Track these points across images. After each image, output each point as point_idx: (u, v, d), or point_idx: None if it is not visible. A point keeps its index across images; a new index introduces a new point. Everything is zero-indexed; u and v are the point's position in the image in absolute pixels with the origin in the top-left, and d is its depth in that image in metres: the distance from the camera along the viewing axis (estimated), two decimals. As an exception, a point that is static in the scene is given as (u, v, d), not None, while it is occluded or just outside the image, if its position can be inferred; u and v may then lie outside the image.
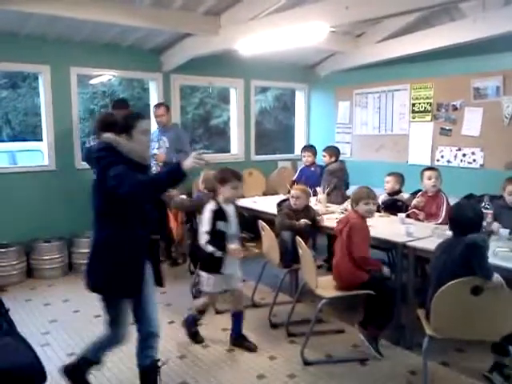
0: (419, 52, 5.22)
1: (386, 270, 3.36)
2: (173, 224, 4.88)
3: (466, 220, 2.72)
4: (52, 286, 4.74)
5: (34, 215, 5.13)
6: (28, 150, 7.41)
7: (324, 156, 5.31)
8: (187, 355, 3.31)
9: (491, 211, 3.45)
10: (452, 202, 4.33)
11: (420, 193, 4.44)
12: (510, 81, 5.04)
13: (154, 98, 6.04)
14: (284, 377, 3.02)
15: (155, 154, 5.11)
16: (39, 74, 5.22)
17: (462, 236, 2.66)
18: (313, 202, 4.50)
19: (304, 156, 5.68)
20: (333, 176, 5.08)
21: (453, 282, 2.51)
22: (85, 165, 5.52)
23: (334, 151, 5.31)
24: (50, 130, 5.24)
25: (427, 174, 4.26)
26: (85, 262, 5.12)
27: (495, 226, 3.48)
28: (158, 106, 5.51)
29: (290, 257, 3.73)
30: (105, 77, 6.31)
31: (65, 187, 5.31)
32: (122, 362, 3.20)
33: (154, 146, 5.28)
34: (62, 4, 4.07)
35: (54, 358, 3.28)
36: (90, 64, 5.44)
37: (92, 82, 7.74)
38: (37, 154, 6.65)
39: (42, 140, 5.48)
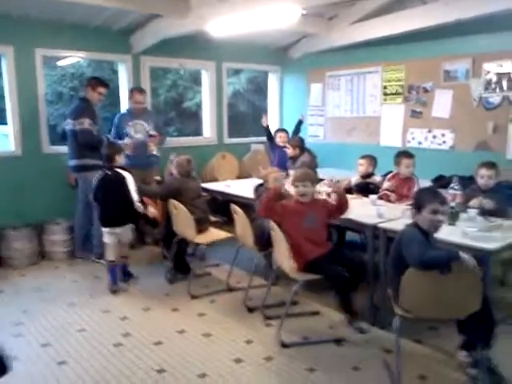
0: (391, 35, 5.23)
1: None
2: (153, 207, 4.82)
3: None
4: (23, 275, 4.63)
5: (0, 203, 4.98)
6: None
7: (288, 148, 5.29)
8: (163, 341, 3.30)
9: (460, 192, 3.52)
10: (422, 183, 4.43)
11: (391, 174, 4.50)
12: (478, 64, 5.12)
13: (123, 81, 5.89)
14: (261, 359, 3.05)
15: (125, 144, 4.97)
16: (2, 56, 5.00)
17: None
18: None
19: (279, 137, 5.70)
20: (307, 167, 5.05)
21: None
22: (53, 149, 5.42)
23: (297, 143, 5.30)
24: (14, 114, 5.06)
25: (406, 161, 4.30)
26: (57, 249, 5.07)
27: (487, 202, 3.53)
28: (141, 91, 5.34)
29: (266, 240, 3.73)
30: (73, 58, 6.12)
31: (32, 173, 5.16)
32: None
33: (129, 130, 5.19)
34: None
35: (27, 348, 3.22)
36: (57, 45, 5.25)
37: (60, 63, 7.49)
38: (2, 139, 6.43)
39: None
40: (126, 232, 4.27)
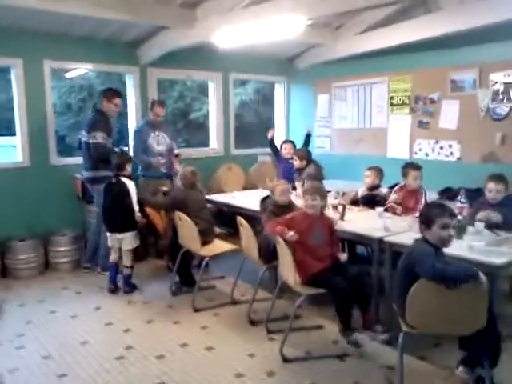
0: (397, 44, 5.21)
1: (343, 256, 3.42)
2: (156, 218, 4.82)
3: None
4: (28, 286, 4.64)
5: (7, 214, 5.00)
6: (2, 146, 7.23)
7: (295, 160, 5.28)
8: (165, 355, 3.27)
9: (467, 205, 3.46)
10: (429, 195, 4.38)
11: (398, 186, 4.46)
12: (485, 74, 5.08)
13: (130, 92, 5.93)
14: (263, 374, 3.01)
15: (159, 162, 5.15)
16: (11, 68, 5.06)
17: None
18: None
19: (284, 149, 5.69)
20: (312, 179, 5.02)
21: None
22: (60, 160, 5.46)
23: (304, 154, 5.30)
24: (23, 125, 5.11)
25: (413, 173, 4.25)
26: (62, 260, 5.11)
27: (494, 215, 3.49)
28: (162, 104, 5.33)
29: (271, 253, 3.70)
30: (81, 70, 6.17)
31: (39, 184, 5.20)
32: (98, 364, 3.14)
33: (152, 142, 5.23)
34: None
35: (28, 360, 3.21)
36: (65, 57, 5.30)
37: (68, 75, 7.57)
38: (11, 150, 6.49)
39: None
40: (128, 239, 4.38)
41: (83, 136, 4.87)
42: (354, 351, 3.23)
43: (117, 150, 4.91)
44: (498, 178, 3.68)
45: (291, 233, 3.23)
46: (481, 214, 3.50)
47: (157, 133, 5.29)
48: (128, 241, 4.38)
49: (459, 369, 2.91)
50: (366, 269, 3.55)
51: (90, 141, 4.75)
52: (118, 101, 4.94)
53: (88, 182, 4.96)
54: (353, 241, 4.23)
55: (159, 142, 5.29)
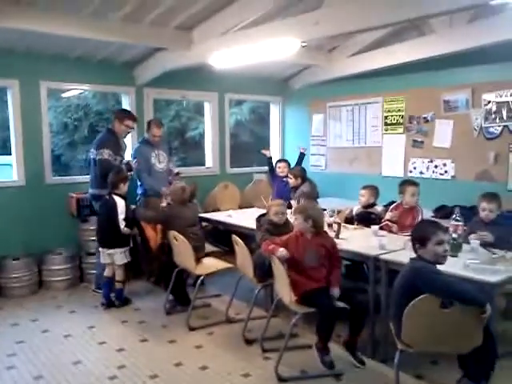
0: (390, 66, 5.29)
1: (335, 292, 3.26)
2: (149, 232, 4.81)
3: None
4: (21, 305, 4.59)
5: (2, 232, 4.97)
6: (-2, 165, 7.24)
7: (290, 178, 5.30)
8: (159, 374, 3.22)
9: (461, 223, 3.47)
10: (425, 213, 4.39)
11: (394, 204, 4.46)
12: (478, 94, 5.15)
13: (127, 112, 5.96)
14: (258, 394, 2.97)
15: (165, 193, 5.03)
16: (8, 89, 5.10)
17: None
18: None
19: (278, 167, 5.71)
20: (306, 198, 5.03)
21: (422, 296, 2.51)
22: (55, 179, 5.47)
23: (299, 173, 5.32)
24: (18, 145, 5.12)
25: (411, 189, 4.24)
26: (56, 279, 5.08)
27: (486, 236, 3.50)
28: (158, 125, 5.32)
29: (266, 271, 3.68)
30: (77, 90, 6.23)
31: (34, 203, 5.19)
32: None
33: (154, 161, 5.27)
34: (32, 18, 4.01)
35: (19, 381, 3.16)
36: (61, 78, 5.35)
37: (64, 95, 7.63)
38: (7, 169, 6.48)
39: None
40: (119, 255, 4.45)
41: (92, 153, 4.92)
42: (349, 371, 3.20)
43: (123, 167, 4.95)
44: (490, 196, 3.72)
45: (281, 249, 3.21)
46: (473, 236, 3.51)
47: (156, 151, 5.34)
48: (118, 256, 4.45)
49: None
50: (362, 286, 3.53)
51: (97, 157, 4.80)
52: (129, 122, 5.01)
53: (92, 199, 4.98)
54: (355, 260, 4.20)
55: (160, 160, 5.34)
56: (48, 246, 5.14)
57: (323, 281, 3.26)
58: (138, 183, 5.34)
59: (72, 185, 5.43)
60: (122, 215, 4.37)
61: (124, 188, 4.50)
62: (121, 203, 4.42)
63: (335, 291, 3.21)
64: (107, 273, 4.52)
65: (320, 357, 3.17)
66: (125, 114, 5.07)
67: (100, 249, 4.54)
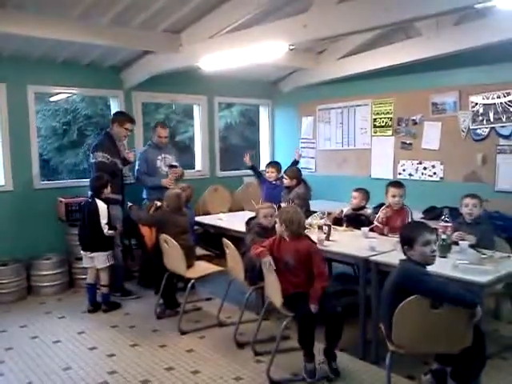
0: (378, 68, 5.34)
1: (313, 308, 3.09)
2: (145, 231, 4.76)
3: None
4: (10, 311, 4.54)
5: (-10, 238, 4.93)
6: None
7: (285, 179, 5.29)
8: (150, 379, 3.20)
9: (450, 224, 3.51)
10: (414, 214, 4.42)
11: (384, 206, 4.48)
12: (465, 96, 5.21)
13: (115, 116, 5.93)
14: (250, 398, 2.96)
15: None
16: (-6, 93, 5.06)
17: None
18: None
19: (267, 172, 5.66)
20: (300, 199, 5.03)
21: (412, 297, 2.52)
22: (44, 184, 5.42)
23: (294, 174, 5.28)
24: (5, 150, 5.07)
25: (392, 190, 4.26)
26: (45, 284, 5.04)
27: (468, 237, 3.54)
28: (164, 126, 5.36)
29: (257, 274, 3.67)
30: (65, 94, 6.18)
31: (22, 207, 5.14)
32: None
33: (160, 165, 5.27)
34: (18, 22, 3.96)
35: (8, 388, 3.13)
36: (49, 82, 5.31)
37: (52, 99, 7.57)
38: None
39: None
40: (100, 258, 4.44)
41: (90, 157, 4.93)
42: (341, 373, 3.19)
43: (122, 168, 4.98)
44: (473, 194, 3.85)
45: (266, 258, 3.15)
46: (455, 235, 3.55)
47: (163, 155, 5.32)
48: (100, 260, 4.44)
49: (426, 377, 2.93)
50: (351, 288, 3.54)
51: (92, 160, 4.81)
52: (129, 125, 5.00)
53: None
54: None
55: (166, 163, 5.32)
56: (37, 252, 5.09)
57: (302, 286, 3.16)
58: (144, 190, 5.32)
59: (61, 189, 5.39)
60: (104, 220, 4.37)
61: (106, 192, 4.48)
62: (103, 207, 4.40)
63: (312, 307, 3.02)
64: (89, 278, 4.51)
65: (303, 364, 3.15)
66: (124, 117, 5.06)
67: (82, 252, 4.53)
